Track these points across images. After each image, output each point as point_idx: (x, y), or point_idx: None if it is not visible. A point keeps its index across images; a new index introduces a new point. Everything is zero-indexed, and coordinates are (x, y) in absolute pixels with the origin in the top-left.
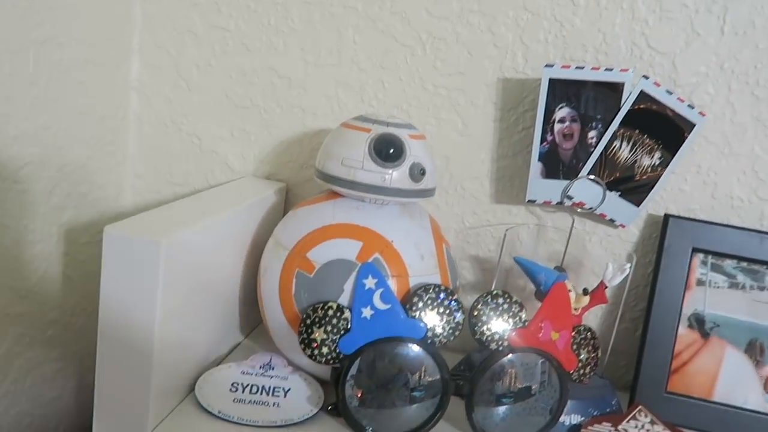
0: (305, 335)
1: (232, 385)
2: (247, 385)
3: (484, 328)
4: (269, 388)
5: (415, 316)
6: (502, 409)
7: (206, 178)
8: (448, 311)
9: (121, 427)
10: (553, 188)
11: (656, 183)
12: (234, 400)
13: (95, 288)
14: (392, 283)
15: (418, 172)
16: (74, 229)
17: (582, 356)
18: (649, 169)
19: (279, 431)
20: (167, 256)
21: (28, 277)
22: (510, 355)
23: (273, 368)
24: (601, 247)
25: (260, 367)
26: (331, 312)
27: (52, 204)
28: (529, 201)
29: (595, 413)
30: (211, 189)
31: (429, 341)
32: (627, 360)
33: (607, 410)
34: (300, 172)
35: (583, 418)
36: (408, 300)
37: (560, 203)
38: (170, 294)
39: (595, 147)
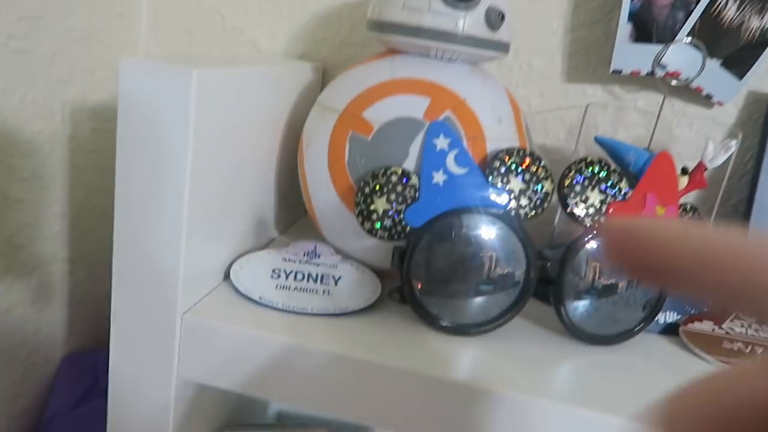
0: (363, 206)
1: (273, 271)
2: (291, 272)
3: (578, 199)
4: (317, 275)
5: (496, 183)
6: (592, 299)
7: (232, 60)
8: (535, 179)
9: (145, 313)
10: (644, 55)
11: (764, 50)
12: (277, 287)
13: (105, 184)
14: (467, 146)
15: (496, 18)
16: (80, 110)
17: None
18: (758, 33)
19: (333, 321)
20: (199, 92)
21: (30, 157)
22: None
23: (319, 256)
24: (691, 131)
25: (304, 255)
26: (395, 178)
27: (55, 74)
28: (614, 71)
29: (692, 311)
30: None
31: (513, 213)
32: None
33: (704, 309)
34: (339, 51)
35: (680, 316)
36: (487, 165)
37: (651, 74)
38: (203, 148)
39: (696, 3)
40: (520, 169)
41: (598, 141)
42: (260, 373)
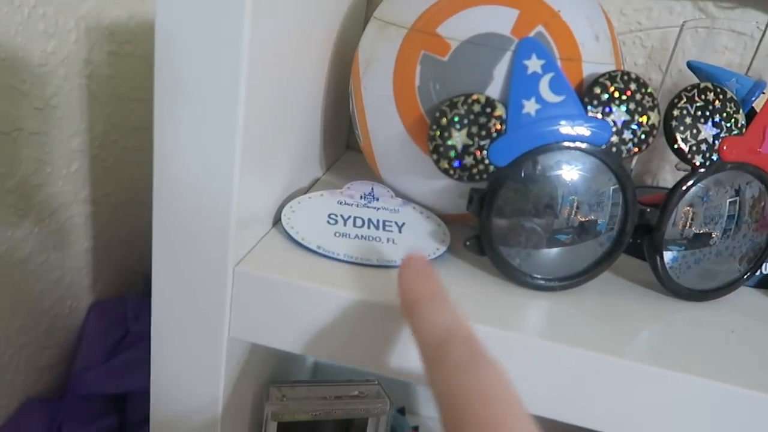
0: (440, 141)
1: (330, 216)
2: (349, 217)
3: (688, 134)
4: (378, 221)
5: (596, 113)
6: (685, 253)
7: None
8: (640, 109)
9: (193, 266)
10: None
11: None
12: (335, 234)
13: (128, 116)
14: (561, 69)
15: None
16: (97, 29)
17: None
18: None
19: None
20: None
21: (42, 84)
22: (719, 174)
23: (377, 199)
24: None
25: (361, 197)
26: (477, 107)
27: None
28: None
29: None
30: None
31: (614, 149)
32: None
33: None
34: None
35: None
36: (586, 91)
37: None
38: (256, 69)
39: None
40: (624, 98)
41: (692, 66)
42: (322, 332)
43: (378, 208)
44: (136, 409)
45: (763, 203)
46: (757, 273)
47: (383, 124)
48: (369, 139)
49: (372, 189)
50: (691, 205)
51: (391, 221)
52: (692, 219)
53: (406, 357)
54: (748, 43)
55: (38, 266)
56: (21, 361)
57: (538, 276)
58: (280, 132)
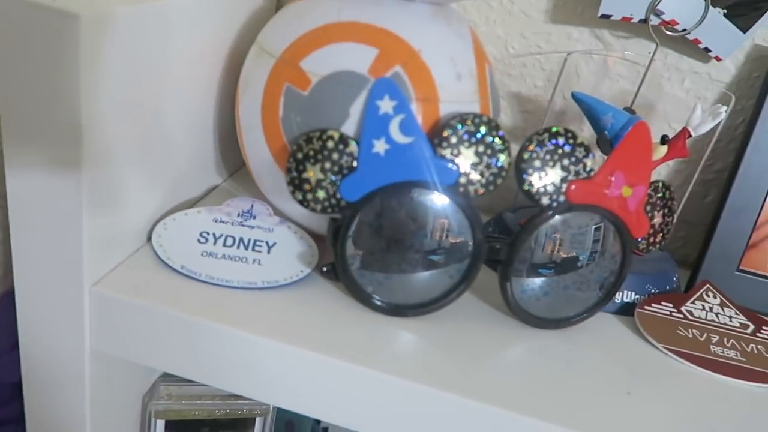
0: (295, 174)
1: (201, 234)
2: (221, 236)
3: (536, 176)
4: (249, 241)
5: (445, 154)
6: (543, 281)
7: None
8: (489, 151)
9: (50, 283)
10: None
11: None
12: (203, 254)
13: None
14: (416, 109)
15: None
16: None
17: (655, 220)
18: None
19: (259, 294)
20: (91, 39)
21: None
22: (566, 214)
23: (254, 217)
24: (682, 87)
25: (238, 215)
26: (331, 143)
27: None
28: (602, 16)
29: (653, 291)
30: None
31: (461, 189)
32: (687, 230)
33: (667, 287)
34: None
35: (638, 296)
36: (437, 133)
37: (644, 21)
38: (102, 98)
39: None
40: (473, 140)
41: (575, 98)
42: (177, 351)
43: (253, 227)
44: None
45: (613, 237)
46: (618, 299)
47: (255, 147)
48: (247, 158)
49: (251, 206)
50: (556, 231)
51: (262, 241)
52: (560, 244)
53: (251, 377)
54: (640, 71)
55: None
56: None
57: (390, 302)
58: (154, 150)
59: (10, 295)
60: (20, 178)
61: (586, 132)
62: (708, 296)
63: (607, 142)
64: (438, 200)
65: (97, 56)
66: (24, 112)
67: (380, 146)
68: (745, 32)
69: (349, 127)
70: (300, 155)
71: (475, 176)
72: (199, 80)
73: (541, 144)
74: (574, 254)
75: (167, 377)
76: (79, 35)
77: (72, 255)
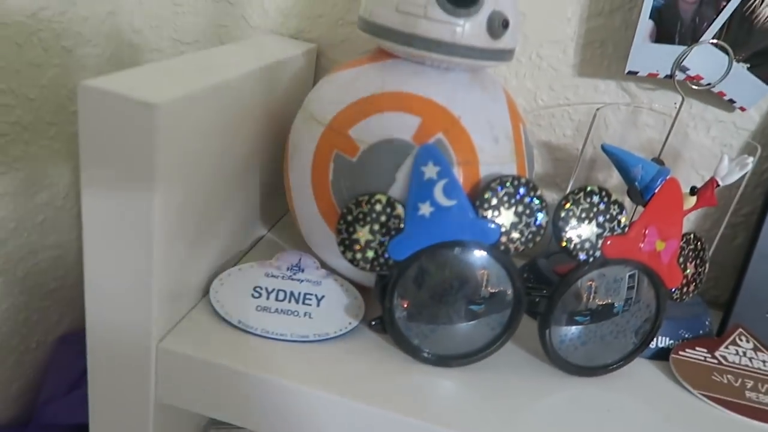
0: (345, 235)
1: (255, 289)
2: (273, 290)
3: (573, 234)
4: (299, 294)
5: (486, 215)
6: (581, 329)
7: (219, 36)
8: (528, 211)
9: (120, 340)
10: (663, 56)
11: None
12: (257, 308)
13: None
14: (458, 172)
15: (498, 24)
16: (59, 92)
17: (688, 271)
18: None
19: (311, 347)
20: (165, 123)
21: (7, 150)
22: (602, 268)
23: (303, 270)
24: (708, 136)
25: (288, 269)
26: (379, 207)
27: (28, 58)
28: (629, 73)
29: (686, 336)
30: (223, 47)
31: (502, 248)
32: (718, 272)
33: (700, 332)
34: (335, 30)
35: (672, 341)
36: (478, 195)
37: (669, 77)
38: (171, 173)
39: (728, 1)
40: (513, 201)
41: (606, 150)
42: (235, 402)
43: (302, 281)
44: None
45: (647, 286)
46: (653, 345)
47: (304, 205)
48: (296, 214)
49: (299, 260)
50: (592, 281)
51: (312, 294)
52: (595, 293)
53: (304, 428)
54: (666, 121)
55: (4, 311)
56: None
57: (436, 353)
58: (210, 211)
59: (66, 338)
60: (98, 246)
61: (615, 179)
62: (741, 340)
63: (637, 193)
64: (480, 257)
65: (169, 138)
66: (104, 186)
67: (425, 209)
68: (767, 84)
69: (396, 191)
70: (350, 217)
71: (515, 235)
72: (248, 143)
73: (576, 202)
74: (610, 302)
75: (217, 423)
76: (155, 121)
77: (142, 314)
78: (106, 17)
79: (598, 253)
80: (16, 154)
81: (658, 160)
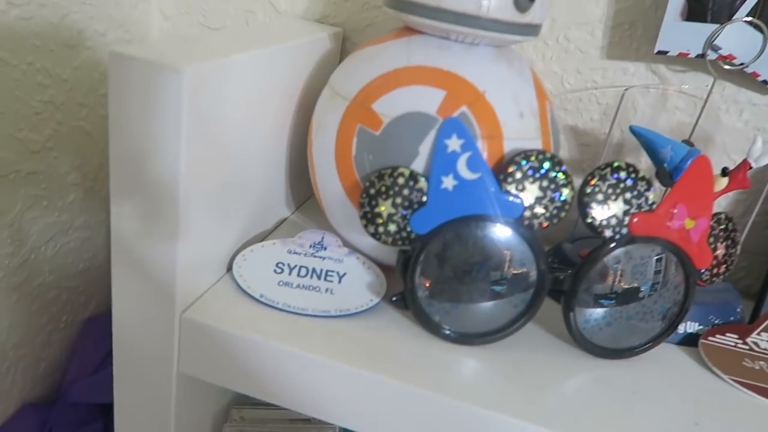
0: (368, 208)
1: (277, 265)
2: (295, 267)
3: (599, 209)
4: (321, 271)
5: (510, 189)
6: (606, 311)
7: (246, 21)
8: (553, 186)
9: (145, 310)
10: (695, 35)
11: None
12: (279, 283)
13: None
14: (482, 146)
15: None
16: (91, 75)
17: (718, 252)
18: None
19: (332, 322)
20: (193, 90)
21: (39, 129)
22: (628, 246)
23: (325, 248)
24: (740, 119)
25: (310, 246)
26: (402, 180)
27: (62, 39)
28: (658, 52)
29: (716, 321)
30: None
31: (526, 223)
32: (749, 260)
33: (731, 318)
34: (361, 15)
35: (701, 327)
36: (502, 169)
37: (701, 56)
38: (198, 142)
39: None
40: (537, 175)
41: (634, 131)
42: (257, 374)
43: (324, 258)
44: None
45: (676, 268)
46: (681, 330)
47: (328, 183)
48: (319, 193)
49: (322, 238)
50: (618, 262)
51: (333, 271)
52: (621, 275)
53: (325, 400)
54: (697, 104)
55: (35, 288)
56: (18, 372)
57: (457, 331)
58: (236, 186)
59: (92, 320)
60: (124, 215)
61: (644, 164)
62: None
63: (666, 175)
64: (503, 233)
65: (196, 105)
66: (132, 155)
67: (448, 182)
68: None
69: (419, 165)
70: (372, 191)
71: (539, 210)
72: (273, 121)
73: (603, 178)
74: (636, 285)
75: (240, 401)
76: (182, 88)
77: (166, 285)
78: (138, 2)
79: (624, 231)
80: (48, 133)
81: (688, 142)
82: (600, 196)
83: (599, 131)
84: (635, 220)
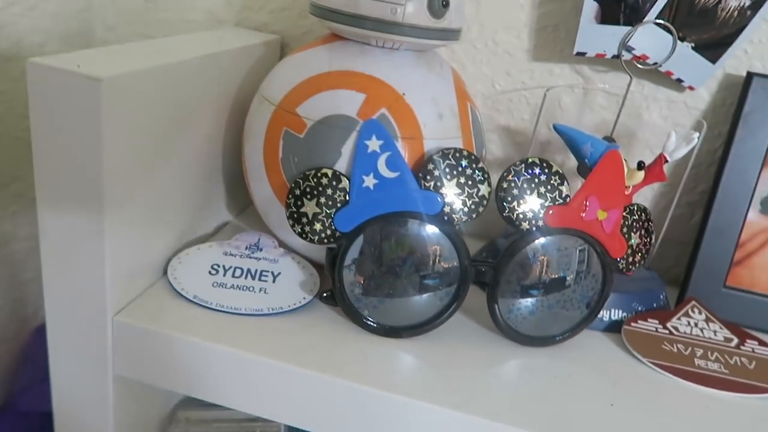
0: (294, 209)
1: (212, 267)
2: (230, 268)
3: (515, 203)
4: (255, 271)
5: (429, 186)
6: (530, 301)
7: (187, 30)
8: (470, 182)
9: (77, 313)
10: (610, 37)
11: (741, 32)
12: (213, 284)
13: None
14: (402, 147)
15: (439, 4)
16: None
17: (633, 241)
18: (736, 13)
19: (265, 320)
20: (112, 99)
21: None
22: (544, 238)
23: (261, 249)
24: (660, 116)
25: (246, 248)
26: (325, 180)
27: (0, 50)
28: (577, 54)
29: (640, 308)
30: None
31: (445, 218)
32: (677, 250)
33: (654, 305)
34: (298, 23)
35: (625, 314)
36: (422, 167)
37: (616, 57)
38: (121, 150)
39: None
40: (455, 172)
41: (557, 129)
42: (192, 374)
43: (260, 259)
44: None
45: (597, 259)
46: (606, 318)
47: (259, 185)
48: (253, 196)
49: (258, 240)
50: (538, 254)
51: (268, 271)
52: (547, 266)
53: (260, 397)
54: (619, 102)
55: None
56: None
57: (385, 324)
58: (168, 192)
59: (43, 329)
60: (50, 221)
61: (573, 160)
62: (693, 312)
63: (587, 170)
64: (426, 229)
65: (116, 114)
66: (55, 164)
67: (369, 181)
68: (714, 63)
69: (342, 165)
70: (298, 191)
71: (458, 205)
72: (207, 127)
73: (518, 174)
74: (562, 275)
75: (185, 403)
76: (101, 96)
77: (96, 287)
78: (79, 13)
79: (541, 223)
80: None
81: (609, 139)
82: (516, 191)
83: (530, 130)
84: (550, 212)
